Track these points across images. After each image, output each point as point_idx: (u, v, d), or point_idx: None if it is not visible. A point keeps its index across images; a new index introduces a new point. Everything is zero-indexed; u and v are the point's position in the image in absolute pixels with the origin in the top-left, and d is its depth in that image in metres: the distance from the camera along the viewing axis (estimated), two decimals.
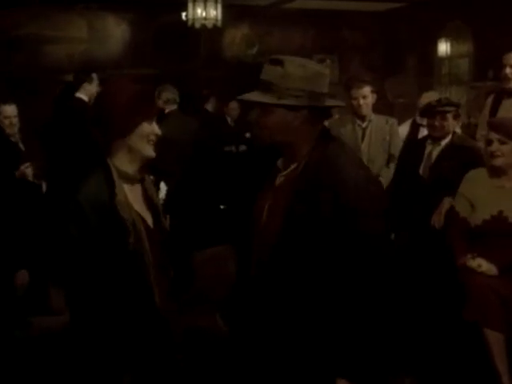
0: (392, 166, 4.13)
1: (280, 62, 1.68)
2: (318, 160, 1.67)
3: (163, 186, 2.29)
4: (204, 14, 6.39)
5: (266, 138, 1.74)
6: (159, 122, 1.88)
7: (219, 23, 6.52)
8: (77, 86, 4.93)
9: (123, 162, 1.79)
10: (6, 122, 4.00)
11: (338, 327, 1.60)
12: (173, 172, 4.27)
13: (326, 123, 4.31)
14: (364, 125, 4.25)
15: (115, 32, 7.58)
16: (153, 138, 1.81)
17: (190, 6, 6.34)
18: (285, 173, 1.75)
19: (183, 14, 6.59)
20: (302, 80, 1.66)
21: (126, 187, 1.79)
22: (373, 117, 4.28)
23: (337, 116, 4.61)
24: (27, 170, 3.92)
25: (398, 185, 3.84)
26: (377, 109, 4.37)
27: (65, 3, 6.99)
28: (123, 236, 1.71)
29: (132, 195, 1.81)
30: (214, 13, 6.44)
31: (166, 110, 4.84)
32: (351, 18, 8.16)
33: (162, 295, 1.80)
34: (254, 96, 1.71)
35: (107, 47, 7.51)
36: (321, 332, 1.63)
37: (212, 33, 7.03)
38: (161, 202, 2.21)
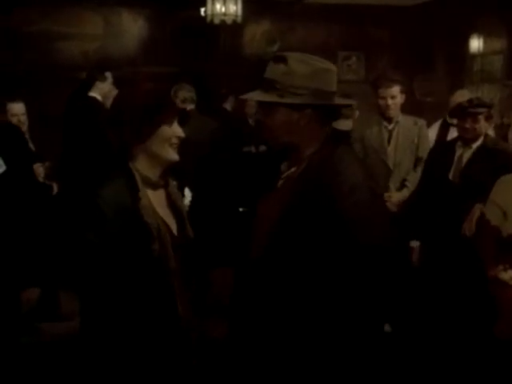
0: (419, 169, 4.05)
1: (283, 59, 1.69)
2: (319, 163, 1.65)
3: (188, 193, 2.26)
4: (223, 9, 6.34)
5: (269, 139, 1.74)
6: (183, 123, 1.87)
7: (239, 19, 6.46)
8: (90, 84, 4.96)
9: (145, 167, 1.80)
10: (14, 119, 4.01)
11: (324, 335, 1.57)
12: (189, 173, 4.26)
13: (349, 124, 4.30)
14: (391, 126, 4.19)
15: (131, 28, 7.56)
16: (175, 140, 1.82)
17: (209, 1, 6.30)
18: (285, 175, 1.75)
19: (202, 10, 6.56)
20: (305, 77, 1.65)
21: (149, 192, 1.81)
22: (400, 118, 4.21)
23: (357, 113, 4.54)
24: (39, 169, 3.93)
25: (426, 190, 3.77)
26: (404, 108, 4.29)
27: None
28: (147, 242, 1.70)
29: (156, 200, 1.82)
30: (233, 8, 6.39)
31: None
32: (378, 13, 8.04)
33: (184, 304, 1.81)
34: (256, 95, 1.72)
35: (123, 44, 7.49)
36: (307, 339, 1.59)
37: (231, 29, 6.99)
38: (186, 208, 2.20)
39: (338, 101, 1.76)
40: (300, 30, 8.17)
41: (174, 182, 1.98)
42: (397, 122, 4.18)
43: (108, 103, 5.10)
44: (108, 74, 5.01)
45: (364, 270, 1.56)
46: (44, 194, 3.93)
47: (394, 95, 4.12)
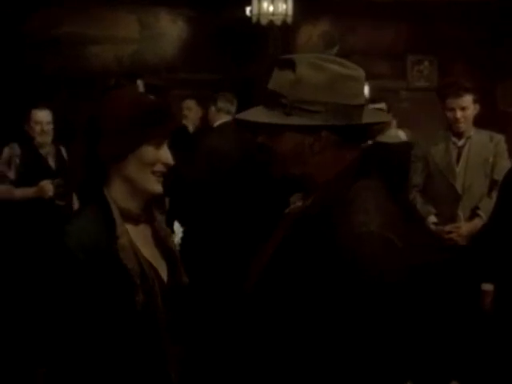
0: (495, 195, 3.77)
1: (290, 64, 1.46)
2: (328, 200, 1.46)
3: (178, 228, 2.08)
4: (271, 8, 6.33)
5: (274, 168, 1.55)
6: (177, 146, 1.71)
7: (289, 19, 6.43)
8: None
9: (123, 196, 1.65)
10: (37, 128, 3.92)
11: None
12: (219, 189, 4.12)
13: (398, 135, 4.06)
14: (460, 143, 3.96)
15: (170, 30, 7.59)
16: (160, 168, 1.64)
17: None
18: (289, 209, 1.60)
19: (247, 10, 6.58)
20: (320, 88, 1.43)
21: (130, 228, 1.65)
22: (473, 133, 3.97)
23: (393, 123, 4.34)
24: (46, 186, 3.80)
25: (502, 220, 3.48)
26: (483, 121, 4.02)
27: None
28: (128, 292, 1.55)
29: (139, 239, 1.67)
30: (283, 7, 6.37)
31: (217, 122, 4.73)
32: (453, 9, 7.76)
33: (174, 366, 1.66)
34: (256, 114, 1.52)
35: (160, 48, 7.52)
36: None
37: (282, 31, 6.90)
38: (177, 247, 2.06)
39: (368, 118, 1.53)
40: (363, 31, 8.04)
41: (163, 216, 1.84)
42: (468, 138, 3.93)
43: None
44: (139, 82, 4.99)
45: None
46: (49, 217, 3.72)
47: (465, 106, 3.86)
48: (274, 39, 7.26)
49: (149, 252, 1.67)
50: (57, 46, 6.97)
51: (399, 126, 5.35)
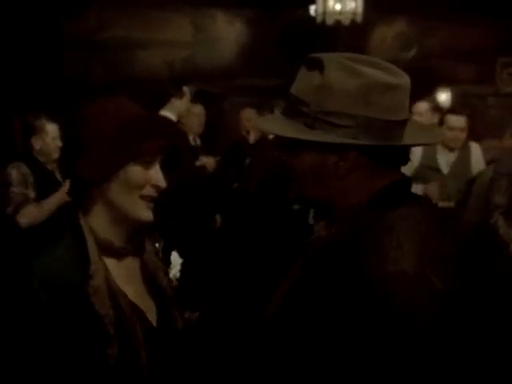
0: None
1: (318, 65, 1.31)
2: (357, 229, 1.32)
3: (176, 260, 1.91)
4: (338, 6, 6.28)
5: (293, 189, 1.44)
6: (174, 167, 1.58)
7: (359, 18, 6.35)
8: (164, 100, 4.95)
9: (104, 224, 1.52)
10: (49, 141, 3.89)
11: None
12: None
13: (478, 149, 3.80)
14: None
15: (226, 33, 7.58)
16: (150, 192, 1.52)
17: None
18: (309, 240, 1.49)
19: (312, 8, 6.52)
20: (350, 97, 1.28)
21: (112, 263, 1.52)
22: None
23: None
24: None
25: None
26: None
27: None
28: (100, 344, 1.42)
29: (122, 275, 1.54)
30: (352, 5, 6.31)
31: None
32: None
33: None
34: (271, 123, 1.43)
35: (216, 52, 7.51)
36: None
37: (351, 31, 6.78)
38: (174, 283, 1.96)
39: (411, 137, 1.37)
40: (444, 31, 7.87)
41: (157, 244, 1.69)
42: None
43: (186, 124, 5.05)
44: (186, 90, 4.98)
45: None
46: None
47: None
48: (343, 41, 7.12)
49: (134, 291, 1.55)
50: (100, 52, 7.06)
51: (485, 137, 5.11)
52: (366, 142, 1.29)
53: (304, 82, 1.34)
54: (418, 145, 1.48)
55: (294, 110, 1.34)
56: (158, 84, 5.68)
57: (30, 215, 3.56)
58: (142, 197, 1.50)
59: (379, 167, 1.34)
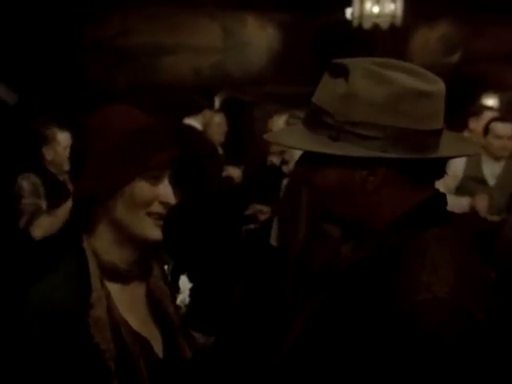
0: None
1: (343, 71, 1.27)
2: (387, 250, 1.28)
3: (185, 283, 1.86)
4: (376, 9, 6.25)
5: (317, 205, 1.39)
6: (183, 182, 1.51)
7: (398, 21, 6.29)
8: (190, 109, 4.97)
9: (108, 245, 1.49)
10: (64, 155, 3.88)
11: None
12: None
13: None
14: None
15: (258, 38, 7.57)
16: (158, 209, 1.48)
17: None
18: (335, 262, 1.42)
19: (347, 11, 6.49)
20: (377, 106, 1.24)
21: (116, 288, 1.49)
22: None
23: None
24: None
25: None
26: None
27: (191, 2, 7.05)
28: (100, 380, 1.39)
29: (126, 302, 1.51)
30: (390, 7, 6.25)
31: None
32: None
33: None
34: (290, 136, 1.38)
35: (246, 58, 7.51)
36: None
37: (390, 35, 6.72)
38: (182, 309, 1.91)
39: (447, 148, 1.31)
40: (492, 33, 7.67)
41: (166, 266, 1.67)
42: None
43: (212, 133, 5.03)
44: (215, 98, 5.01)
45: None
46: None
47: None
48: (381, 46, 7.05)
49: (138, 319, 1.52)
50: (125, 58, 7.10)
51: None
52: (395, 154, 1.25)
53: (328, 91, 1.30)
54: (454, 157, 1.41)
55: (317, 121, 1.30)
56: (185, 92, 5.67)
57: (43, 226, 3.53)
58: (150, 214, 1.47)
59: (412, 182, 1.30)
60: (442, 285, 1.20)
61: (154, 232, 1.48)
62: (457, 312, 1.19)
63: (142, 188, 1.44)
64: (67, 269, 1.46)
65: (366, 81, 1.25)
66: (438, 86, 1.28)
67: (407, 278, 1.22)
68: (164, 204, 1.47)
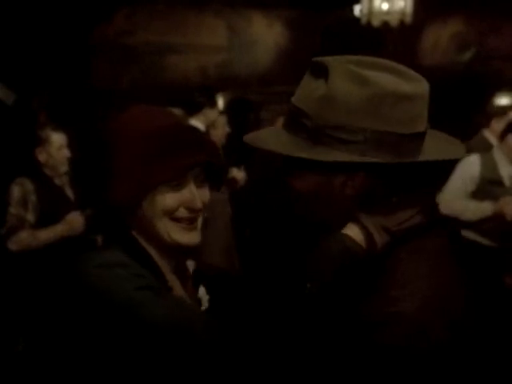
0: None
1: (322, 71, 1.25)
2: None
3: (203, 295, 1.84)
4: (385, 6, 6.19)
5: (297, 210, 1.37)
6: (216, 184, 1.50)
7: (408, 19, 6.22)
8: (193, 109, 4.94)
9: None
10: (54, 153, 3.77)
11: None
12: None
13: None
14: None
15: (264, 36, 7.58)
16: (184, 214, 1.43)
17: None
18: None
19: (356, 8, 6.47)
20: (357, 108, 1.21)
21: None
22: None
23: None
24: (75, 219, 3.67)
25: None
26: None
27: (197, 0, 7.10)
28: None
29: None
30: (400, 4, 6.19)
31: None
32: None
33: None
34: (267, 138, 1.33)
35: (253, 57, 7.52)
36: None
37: (399, 33, 6.72)
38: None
39: (430, 152, 1.29)
40: (507, 31, 7.68)
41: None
42: None
43: (215, 134, 5.03)
44: (217, 97, 4.98)
45: None
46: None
47: None
48: (390, 44, 7.05)
49: None
50: (131, 57, 7.11)
51: None
52: (375, 159, 1.22)
53: (307, 92, 1.27)
54: (438, 160, 1.34)
55: (296, 123, 1.27)
56: (191, 91, 5.71)
57: (20, 243, 3.50)
58: (178, 219, 1.43)
59: (393, 188, 1.27)
60: (407, 301, 1.20)
61: (184, 236, 1.44)
62: (418, 328, 1.18)
63: (165, 196, 1.40)
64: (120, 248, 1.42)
65: (346, 83, 1.22)
66: (422, 87, 1.25)
67: (379, 291, 1.23)
68: (192, 210, 1.43)
